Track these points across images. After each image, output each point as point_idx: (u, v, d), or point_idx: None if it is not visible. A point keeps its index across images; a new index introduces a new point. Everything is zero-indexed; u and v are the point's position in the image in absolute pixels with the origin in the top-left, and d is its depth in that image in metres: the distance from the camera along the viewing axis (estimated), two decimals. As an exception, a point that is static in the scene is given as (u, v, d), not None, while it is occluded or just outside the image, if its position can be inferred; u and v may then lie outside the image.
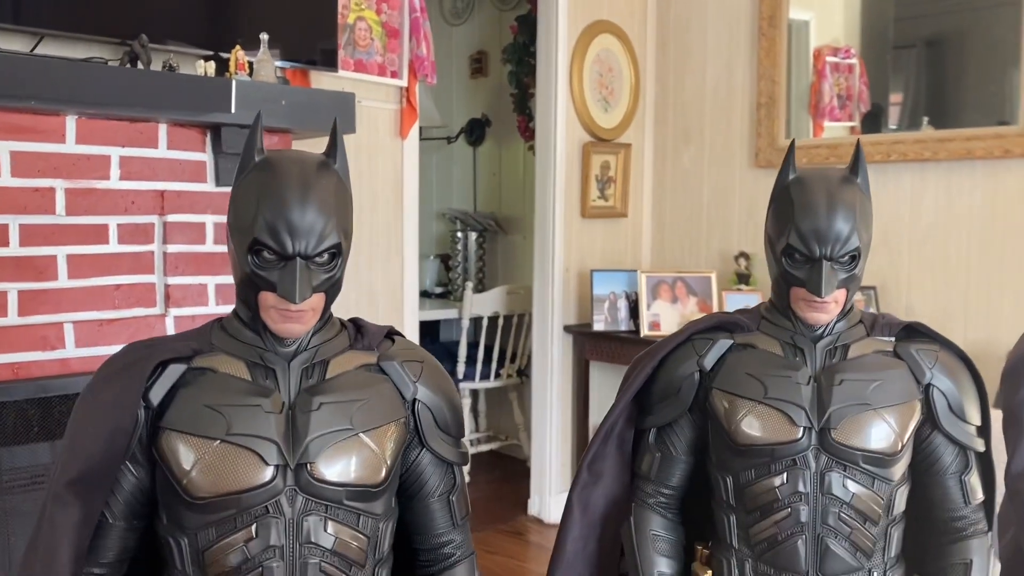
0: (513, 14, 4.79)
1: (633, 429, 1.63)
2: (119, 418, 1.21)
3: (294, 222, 1.18)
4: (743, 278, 3.73)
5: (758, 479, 1.47)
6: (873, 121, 3.55)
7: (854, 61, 3.59)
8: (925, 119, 3.36)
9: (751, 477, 1.48)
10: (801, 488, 1.45)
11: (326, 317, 1.31)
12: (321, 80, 3.00)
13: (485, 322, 4.51)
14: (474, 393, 4.80)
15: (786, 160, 1.51)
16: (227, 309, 1.64)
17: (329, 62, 2.92)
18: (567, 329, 3.91)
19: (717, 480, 1.54)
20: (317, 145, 1.78)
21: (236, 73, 2.49)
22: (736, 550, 1.52)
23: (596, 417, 3.82)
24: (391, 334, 1.41)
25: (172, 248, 2.52)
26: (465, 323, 4.39)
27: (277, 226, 1.18)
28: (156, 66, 2.39)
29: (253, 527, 1.20)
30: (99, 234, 2.40)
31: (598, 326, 3.78)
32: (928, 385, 1.49)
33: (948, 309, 3.22)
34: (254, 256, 1.21)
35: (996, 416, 1.60)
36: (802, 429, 1.45)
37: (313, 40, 2.88)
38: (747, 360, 1.51)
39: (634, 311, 3.78)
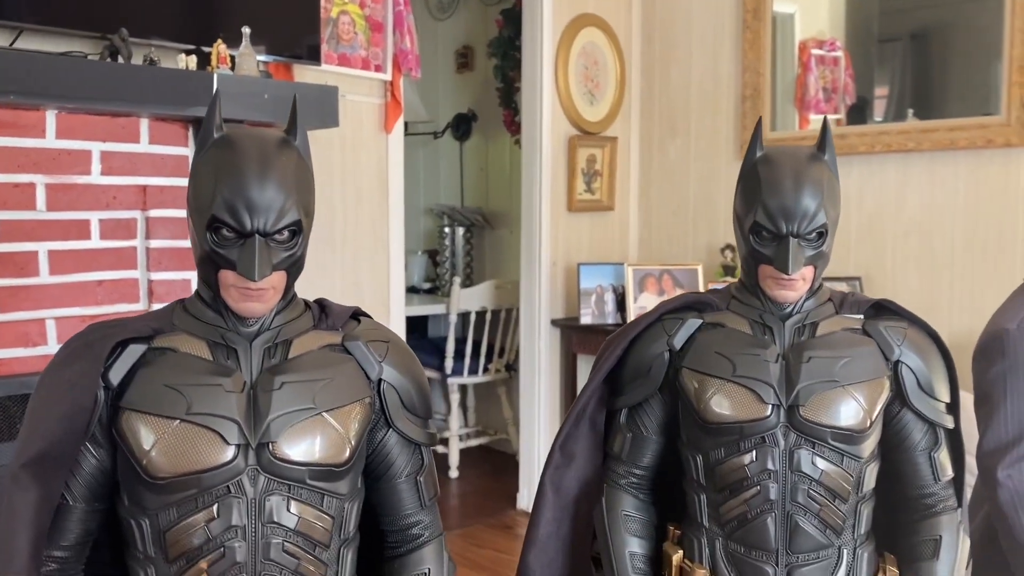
0: (498, 8, 4.79)
1: (605, 410, 1.63)
2: (79, 398, 1.20)
3: (253, 199, 1.17)
4: (729, 270, 3.74)
5: (727, 457, 1.47)
6: (858, 113, 3.56)
7: (839, 54, 3.59)
8: (910, 111, 3.38)
9: (720, 456, 1.48)
10: (770, 466, 1.45)
11: (289, 297, 1.31)
12: (304, 74, 3.00)
13: (473, 317, 4.51)
14: (462, 388, 4.80)
15: (753, 138, 1.51)
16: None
17: (312, 56, 2.93)
18: (554, 323, 3.92)
19: (687, 459, 1.54)
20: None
21: (218, 67, 2.49)
22: (707, 529, 1.52)
23: (585, 410, 3.81)
24: (357, 315, 1.40)
25: (155, 243, 2.52)
26: (453, 318, 4.40)
27: (235, 203, 1.17)
28: (137, 60, 2.38)
29: (215, 507, 1.20)
30: (81, 230, 2.39)
31: (585, 320, 3.78)
32: (897, 362, 1.49)
33: (933, 298, 3.23)
34: (213, 234, 1.20)
35: (966, 396, 1.61)
36: (770, 407, 1.45)
37: (296, 34, 2.89)
38: (716, 339, 1.51)
39: (621, 304, 3.78)
